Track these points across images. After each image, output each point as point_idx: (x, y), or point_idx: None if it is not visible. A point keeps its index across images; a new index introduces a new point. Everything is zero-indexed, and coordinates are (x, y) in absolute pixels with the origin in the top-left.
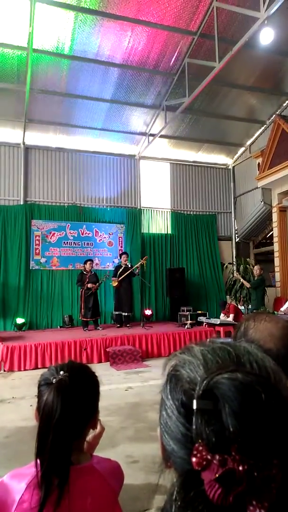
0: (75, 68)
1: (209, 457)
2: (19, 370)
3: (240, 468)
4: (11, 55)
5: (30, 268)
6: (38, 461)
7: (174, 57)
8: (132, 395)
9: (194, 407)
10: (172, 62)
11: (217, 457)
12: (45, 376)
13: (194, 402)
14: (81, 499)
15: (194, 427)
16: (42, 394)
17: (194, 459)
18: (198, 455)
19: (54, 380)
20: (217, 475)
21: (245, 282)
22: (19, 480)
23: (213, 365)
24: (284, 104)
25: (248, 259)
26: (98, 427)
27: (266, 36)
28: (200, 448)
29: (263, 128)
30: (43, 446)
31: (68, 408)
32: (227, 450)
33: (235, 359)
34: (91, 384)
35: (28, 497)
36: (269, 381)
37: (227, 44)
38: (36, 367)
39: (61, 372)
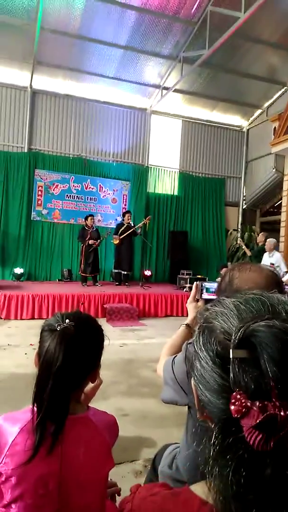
0: (90, 8)
1: (248, 404)
2: (16, 319)
3: (282, 413)
4: None
5: (32, 219)
6: (35, 407)
7: (197, 4)
8: (126, 352)
9: (231, 356)
10: (193, 9)
11: (257, 403)
12: (49, 322)
13: (231, 351)
14: (74, 448)
15: (231, 375)
16: (44, 340)
17: (233, 407)
18: (237, 403)
19: (58, 327)
20: (257, 421)
21: (247, 250)
22: (13, 423)
23: (247, 315)
24: None
25: (253, 227)
26: (97, 380)
27: None
28: (238, 396)
29: (283, 90)
30: (41, 393)
31: (70, 358)
32: (266, 396)
33: (270, 308)
34: (96, 337)
35: (21, 440)
36: None
37: None
38: (33, 317)
39: (67, 320)
